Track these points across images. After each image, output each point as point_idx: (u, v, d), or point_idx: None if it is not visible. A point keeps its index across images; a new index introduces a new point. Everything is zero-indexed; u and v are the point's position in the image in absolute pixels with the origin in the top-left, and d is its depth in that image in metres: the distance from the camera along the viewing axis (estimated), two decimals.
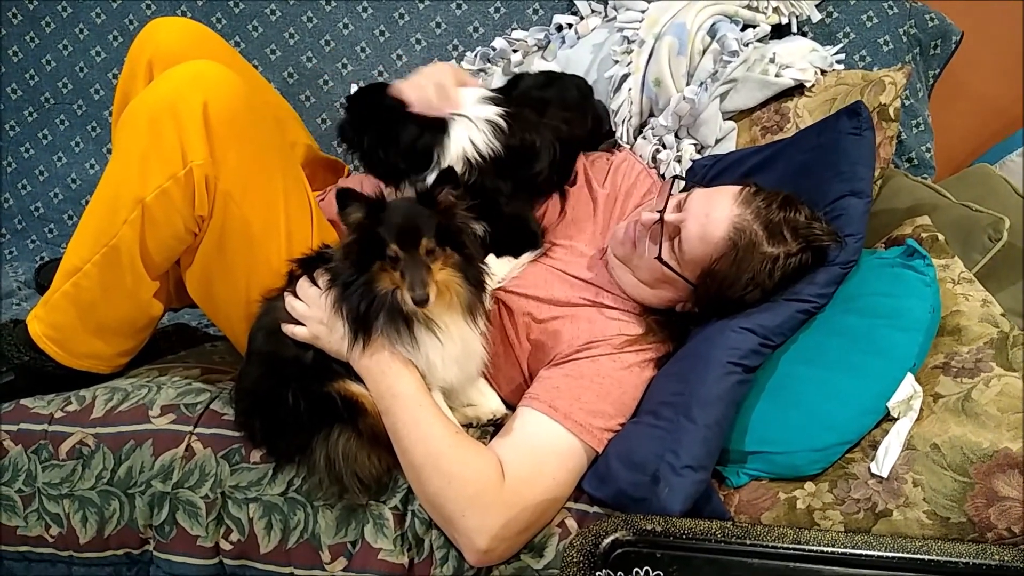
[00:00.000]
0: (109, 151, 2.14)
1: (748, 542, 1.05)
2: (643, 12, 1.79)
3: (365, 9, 2.08)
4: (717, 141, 1.70)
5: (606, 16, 1.92)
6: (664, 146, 1.70)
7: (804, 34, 1.87)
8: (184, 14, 2.12)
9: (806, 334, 1.28)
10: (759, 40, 1.76)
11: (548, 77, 1.70)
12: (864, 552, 1.03)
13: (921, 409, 1.17)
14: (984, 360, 1.18)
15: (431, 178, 1.31)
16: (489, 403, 1.35)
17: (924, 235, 1.41)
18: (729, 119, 1.72)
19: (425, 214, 1.16)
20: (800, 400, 1.23)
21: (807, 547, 1.04)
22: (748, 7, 1.79)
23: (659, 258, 1.31)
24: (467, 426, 1.31)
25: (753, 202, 1.28)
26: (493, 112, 1.41)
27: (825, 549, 1.04)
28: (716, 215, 1.28)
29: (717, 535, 1.06)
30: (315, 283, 1.25)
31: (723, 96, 1.69)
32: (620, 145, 1.75)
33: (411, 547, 1.22)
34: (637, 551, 1.05)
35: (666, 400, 1.23)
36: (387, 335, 1.17)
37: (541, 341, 1.34)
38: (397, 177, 1.43)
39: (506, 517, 1.13)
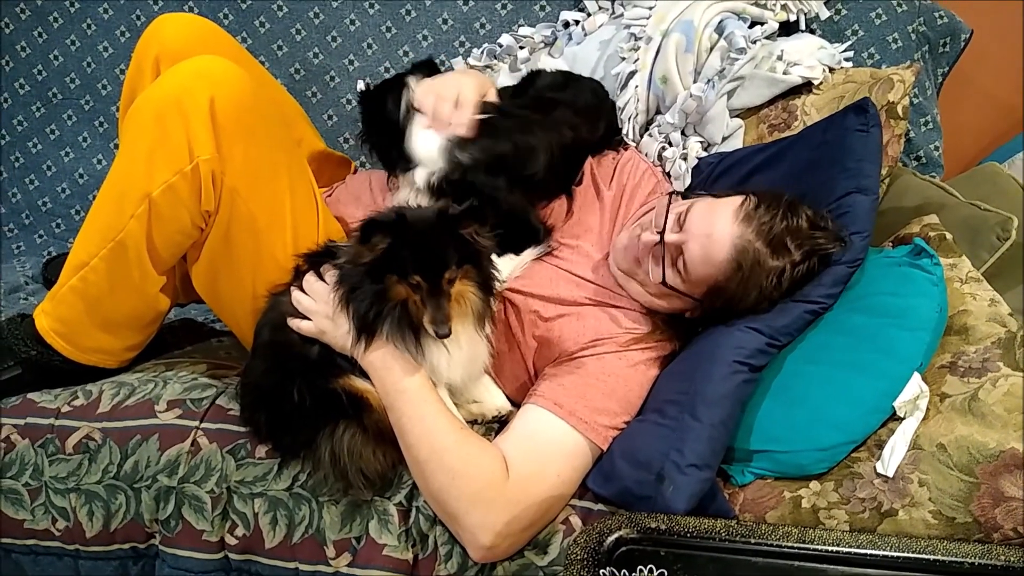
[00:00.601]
0: (116, 146, 2.15)
1: (752, 541, 1.05)
2: (650, 9, 1.78)
3: (372, 5, 2.08)
4: (724, 139, 1.69)
5: (613, 13, 1.91)
6: (670, 143, 1.69)
7: (812, 31, 1.86)
8: (191, 10, 2.12)
9: (812, 333, 1.27)
10: (767, 37, 1.75)
11: (566, 79, 1.69)
12: (869, 551, 1.03)
13: (927, 409, 1.17)
14: (991, 360, 1.17)
15: (418, 174, 1.38)
16: (494, 400, 1.35)
17: (932, 234, 1.41)
18: (736, 117, 1.71)
19: (448, 240, 1.16)
20: (806, 399, 1.23)
21: (812, 546, 1.04)
22: (756, 4, 1.78)
23: (664, 283, 1.30)
24: (472, 423, 1.31)
25: (754, 218, 1.26)
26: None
27: (830, 548, 1.04)
28: (718, 235, 1.26)
29: (721, 533, 1.06)
30: (321, 278, 1.25)
31: (730, 93, 1.69)
32: (626, 143, 1.74)
33: (415, 543, 1.22)
34: (641, 549, 1.05)
35: (671, 398, 1.23)
36: (392, 340, 1.18)
37: (546, 339, 1.34)
38: (393, 167, 1.49)
39: (510, 514, 1.14)
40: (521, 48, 1.91)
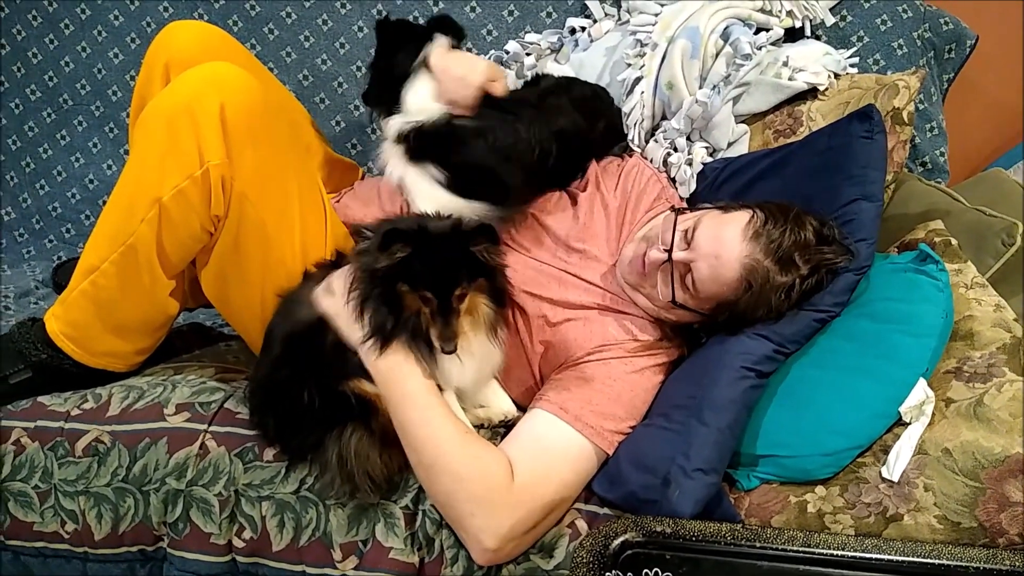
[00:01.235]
0: (126, 152, 2.16)
1: (758, 545, 1.05)
2: (656, 15, 1.79)
3: (380, 12, 2.08)
4: (729, 144, 1.70)
5: (619, 19, 1.92)
6: (676, 149, 1.70)
7: (818, 38, 1.87)
8: (201, 17, 2.14)
9: (819, 338, 1.28)
10: (772, 43, 1.75)
11: (569, 81, 1.73)
12: (875, 556, 1.03)
13: (933, 414, 1.17)
14: (996, 365, 1.17)
15: (394, 121, 1.49)
16: (501, 404, 1.36)
17: (937, 240, 1.41)
18: (742, 122, 1.71)
19: (463, 260, 1.17)
20: (811, 404, 1.23)
21: (817, 550, 1.04)
22: (761, 10, 1.78)
23: (673, 302, 1.31)
24: (478, 427, 1.31)
25: (763, 235, 1.26)
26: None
27: (836, 552, 1.04)
28: (726, 255, 1.26)
29: (727, 538, 1.06)
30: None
31: (736, 99, 1.69)
32: (631, 150, 1.75)
33: (421, 547, 1.23)
34: (647, 553, 1.05)
35: (678, 403, 1.23)
36: (409, 348, 1.19)
37: (553, 344, 1.35)
38: (377, 103, 1.57)
39: (514, 518, 1.14)
40: (528, 55, 1.91)
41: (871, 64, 1.88)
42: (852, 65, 1.78)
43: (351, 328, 1.21)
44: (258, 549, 1.27)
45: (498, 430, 1.34)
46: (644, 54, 1.75)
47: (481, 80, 1.47)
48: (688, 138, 1.71)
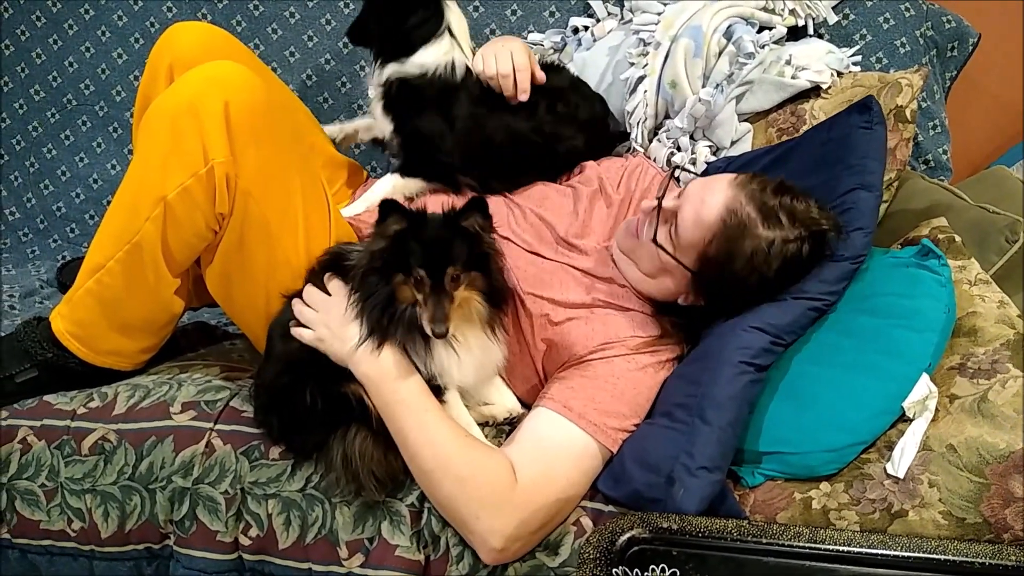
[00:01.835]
0: (130, 152, 2.17)
1: (764, 540, 1.05)
2: (659, 14, 1.79)
3: None
4: (733, 143, 1.70)
5: (622, 18, 1.93)
6: (679, 148, 1.70)
7: (820, 36, 1.87)
8: (204, 17, 2.15)
9: (820, 334, 1.28)
10: (775, 42, 1.76)
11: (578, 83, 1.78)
12: (880, 551, 1.03)
13: (937, 410, 1.17)
14: (1000, 361, 1.17)
15: (390, 67, 1.60)
16: (505, 402, 1.36)
17: (940, 236, 1.41)
18: (745, 121, 1.72)
19: (457, 239, 1.17)
20: (815, 401, 1.23)
21: (823, 546, 1.04)
22: (764, 9, 1.79)
23: (654, 240, 1.32)
24: (483, 425, 1.32)
25: (748, 185, 1.29)
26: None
27: (841, 548, 1.04)
28: (711, 199, 1.29)
29: (733, 533, 1.06)
30: (322, 288, 1.27)
31: (739, 98, 1.70)
32: (635, 149, 1.76)
33: (427, 544, 1.23)
34: (653, 549, 1.05)
35: (680, 401, 1.23)
36: (403, 343, 1.19)
37: (556, 342, 1.35)
38: (367, 43, 1.68)
39: (520, 518, 1.14)
40: None
41: (874, 62, 1.88)
42: (855, 63, 1.78)
43: (341, 342, 1.21)
44: (264, 547, 1.28)
45: (503, 428, 1.34)
46: (647, 53, 1.75)
47: (526, 61, 1.60)
48: (691, 137, 1.71)
